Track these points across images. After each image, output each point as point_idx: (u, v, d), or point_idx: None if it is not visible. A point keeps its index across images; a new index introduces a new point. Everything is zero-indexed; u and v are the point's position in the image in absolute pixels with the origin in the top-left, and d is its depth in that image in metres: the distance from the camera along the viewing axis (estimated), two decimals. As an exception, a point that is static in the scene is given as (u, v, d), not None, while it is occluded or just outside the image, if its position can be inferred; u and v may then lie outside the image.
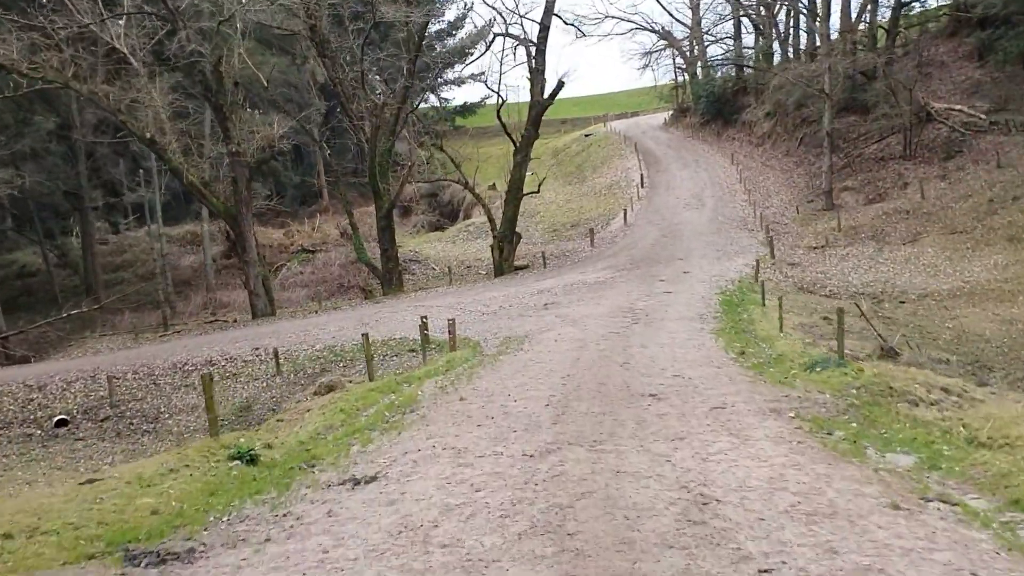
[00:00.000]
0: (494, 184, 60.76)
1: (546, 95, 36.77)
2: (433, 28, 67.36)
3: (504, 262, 37.03)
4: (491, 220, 37.87)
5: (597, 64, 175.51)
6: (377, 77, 46.33)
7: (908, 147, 44.33)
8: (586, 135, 74.04)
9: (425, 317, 21.47)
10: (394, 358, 22.17)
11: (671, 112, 74.07)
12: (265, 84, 38.11)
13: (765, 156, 55.84)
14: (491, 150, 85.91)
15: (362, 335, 18.98)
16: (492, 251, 37.56)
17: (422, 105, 66.82)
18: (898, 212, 37.20)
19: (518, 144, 37.39)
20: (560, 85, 36.91)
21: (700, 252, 34.72)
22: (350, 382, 18.89)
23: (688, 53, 70.63)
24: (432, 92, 69.27)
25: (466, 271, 41.79)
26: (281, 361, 22.91)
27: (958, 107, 44.83)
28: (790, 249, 35.46)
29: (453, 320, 21.15)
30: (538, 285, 31.70)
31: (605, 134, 71.22)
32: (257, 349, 25.05)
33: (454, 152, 41.12)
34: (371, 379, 17.64)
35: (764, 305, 22.95)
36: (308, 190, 77.71)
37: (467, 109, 79.25)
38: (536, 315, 25.01)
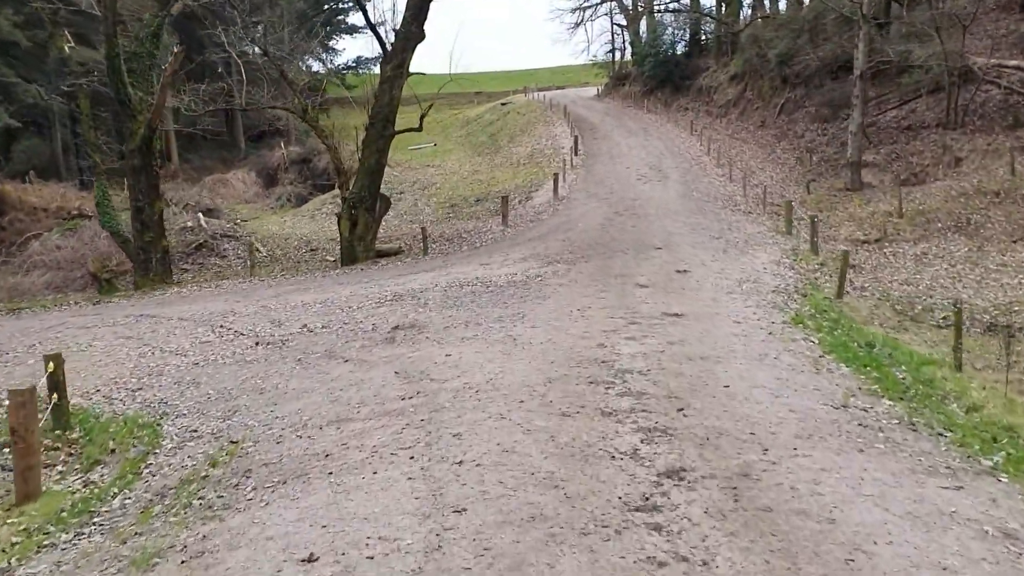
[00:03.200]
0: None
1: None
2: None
3: (358, 242, 21.44)
4: (341, 172, 22.09)
5: (518, 37, 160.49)
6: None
7: (952, 113, 30.29)
8: (503, 103, 58.78)
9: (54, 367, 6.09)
10: None
11: (605, 83, 59.29)
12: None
13: (732, 128, 41.40)
14: (412, 116, 70.17)
15: None
16: (339, 224, 21.89)
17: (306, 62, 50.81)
18: (982, 194, 22.87)
19: (390, 48, 21.79)
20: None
21: (688, 239, 19.75)
22: None
23: (630, 6, 56.02)
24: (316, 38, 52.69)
25: (309, 256, 25.93)
26: None
27: (1013, 63, 31.17)
28: (825, 242, 20.73)
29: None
30: (402, 283, 16.31)
31: (526, 102, 56.05)
32: None
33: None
34: None
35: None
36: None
37: (362, 65, 62.83)
38: (359, 365, 9.83)
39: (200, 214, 28.74)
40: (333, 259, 23.93)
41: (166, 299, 17.54)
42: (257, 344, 12.30)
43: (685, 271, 15.61)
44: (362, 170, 21.85)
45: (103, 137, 21.74)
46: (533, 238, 21.50)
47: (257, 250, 26.77)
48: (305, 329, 12.95)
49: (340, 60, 65.57)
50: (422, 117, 22.38)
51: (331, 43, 61.33)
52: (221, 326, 13.66)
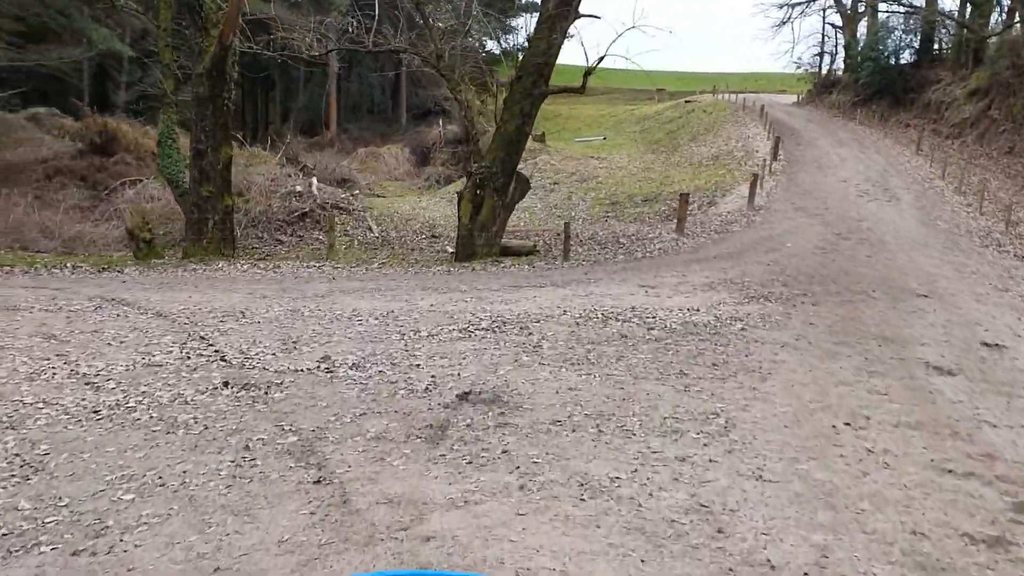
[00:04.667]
0: (543, 135, 39.12)
1: None
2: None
3: (479, 232, 15.61)
4: (470, 138, 16.40)
5: (705, 41, 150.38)
6: None
7: None
8: (687, 101, 51.97)
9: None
10: None
11: (807, 89, 51.13)
12: None
13: (967, 152, 32.95)
14: (582, 110, 64.51)
15: None
16: (459, 207, 16.12)
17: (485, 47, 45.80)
18: None
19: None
20: None
21: (961, 285, 12.73)
22: None
23: (848, 4, 47.81)
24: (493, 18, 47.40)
25: (427, 243, 20.35)
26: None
27: None
28: None
29: None
30: (514, 301, 10.24)
31: (713, 101, 48.97)
32: None
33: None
34: None
35: None
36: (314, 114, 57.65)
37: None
38: (342, 511, 3.54)
39: (314, 179, 23.80)
40: (453, 250, 18.24)
41: (187, 278, 12.24)
42: (224, 386, 6.64)
43: (998, 345, 8.80)
44: (498, 138, 15.98)
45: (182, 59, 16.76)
46: (720, 255, 14.97)
47: (369, 228, 21.50)
48: (320, 367, 7.16)
49: (515, 40, 60.33)
50: (587, 74, 16.20)
51: (508, 20, 56.20)
52: (202, 337, 8.09)
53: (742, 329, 8.90)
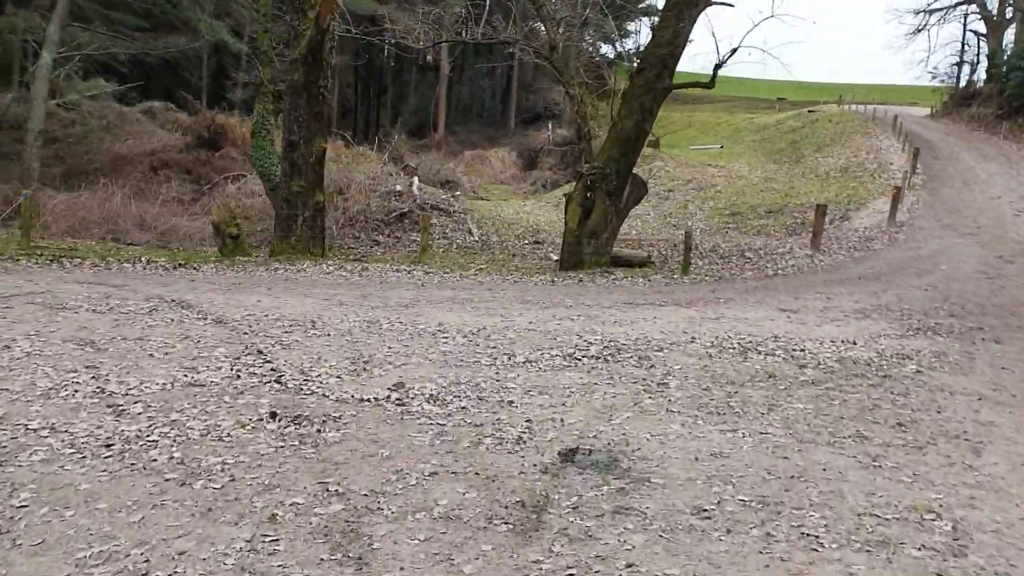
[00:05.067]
0: (658, 140, 37.12)
1: None
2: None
3: (588, 239, 14.02)
4: (583, 136, 14.85)
5: (828, 52, 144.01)
6: None
7: None
8: (810, 111, 49.14)
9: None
10: None
11: (943, 101, 47.39)
12: None
13: None
14: (698, 117, 62.21)
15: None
16: (566, 210, 14.53)
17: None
18: None
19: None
20: None
21: None
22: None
23: (994, 10, 44.04)
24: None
25: (530, 250, 18.88)
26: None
27: None
28: None
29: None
30: (629, 322, 8.57)
31: (840, 112, 46.01)
32: None
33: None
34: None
35: None
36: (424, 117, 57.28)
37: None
38: None
39: (415, 178, 22.67)
40: (557, 258, 16.69)
41: (264, 279, 11.08)
42: (272, 417, 5.29)
43: None
44: (613, 136, 14.34)
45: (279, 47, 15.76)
46: (866, 276, 12.92)
47: (469, 231, 20.21)
48: (391, 397, 5.74)
49: (630, 44, 58.37)
50: (717, 67, 14.40)
51: (624, 24, 54.34)
52: (259, 351, 6.80)
53: (917, 372, 7.04)
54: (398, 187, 21.66)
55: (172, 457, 4.69)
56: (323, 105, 13.87)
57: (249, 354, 6.76)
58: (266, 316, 8.05)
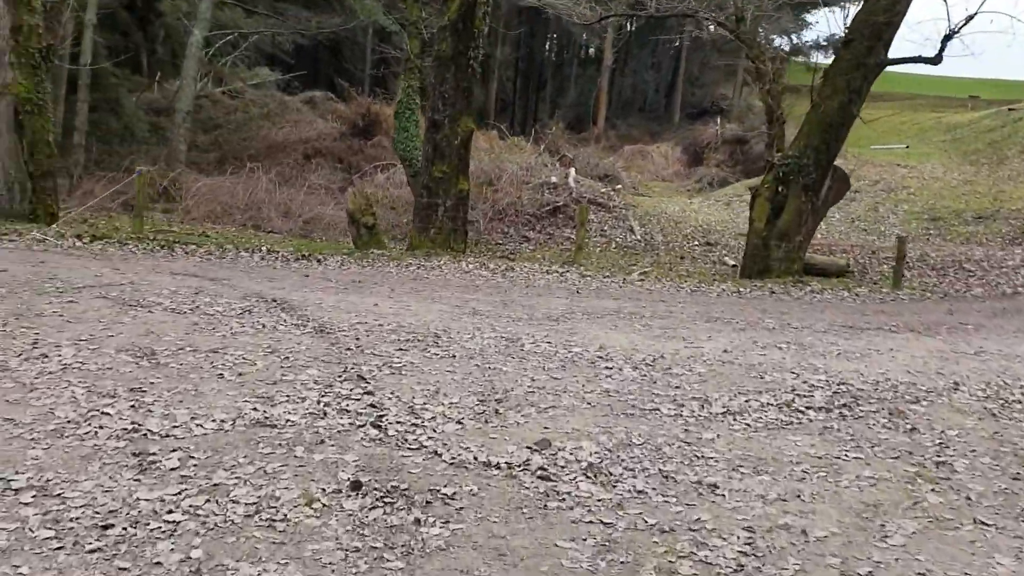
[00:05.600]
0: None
1: None
2: None
3: (777, 242, 11.67)
4: (773, 120, 12.49)
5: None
6: None
7: None
8: (1010, 108, 43.81)
9: None
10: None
11: None
12: None
13: None
14: (879, 115, 57.36)
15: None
16: (752, 207, 12.21)
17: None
18: None
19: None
20: None
21: None
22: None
23: None
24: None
25: (701, 253, 16.56)
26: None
27: None
28: None
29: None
30: (855, 354, 6.29)
31: (1049, 108, 40.63)
32: None
33: None
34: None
35: None
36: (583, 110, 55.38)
37: (834, 46, 50.57)
38: None
39: (572, 170, 20.73)
40: (734, 263, 14.33)
41: (391, 276, 9.44)
42: (354, 490, 3.51)
43: None
44: (812, 121, 11.90)
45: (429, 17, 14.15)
46: None
47: (630, 229, 18.14)
48: (530, 464, 3.84)
49: (808, 36, 54.21)
50: (946, 38, 11.69)
51: (803, 15, 50.15)
52: (360, 376, 5.06)
53: None
54: (553, 178, 19.82)
55: (187, 559, 2.98)
56: (473, 80, 12.15)
57: (346, 380, 5.03)
58: (379, 326, 6.32)
